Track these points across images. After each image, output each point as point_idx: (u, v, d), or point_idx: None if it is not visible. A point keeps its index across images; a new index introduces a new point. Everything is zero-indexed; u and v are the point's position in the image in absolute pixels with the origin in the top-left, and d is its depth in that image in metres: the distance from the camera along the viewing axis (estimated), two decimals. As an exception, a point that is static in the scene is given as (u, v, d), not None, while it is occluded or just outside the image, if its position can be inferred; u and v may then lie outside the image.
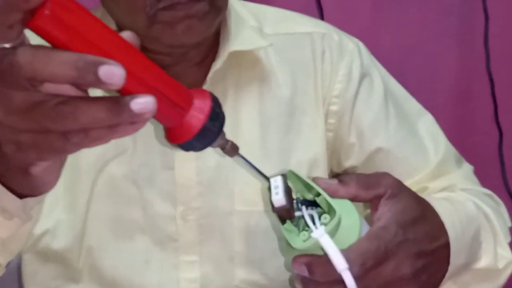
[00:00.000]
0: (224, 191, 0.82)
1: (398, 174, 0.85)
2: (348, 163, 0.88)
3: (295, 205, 0.65)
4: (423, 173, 0.87)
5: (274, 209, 0.64)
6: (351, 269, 0.60)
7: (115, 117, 0.41)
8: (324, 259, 0.61)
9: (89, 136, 0.42)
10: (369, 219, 0.67)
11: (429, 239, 0.66)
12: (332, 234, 0.62)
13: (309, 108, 0.85)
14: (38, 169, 0.48)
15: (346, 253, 0.61)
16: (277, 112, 0.84)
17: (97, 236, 0.81)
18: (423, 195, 0.72)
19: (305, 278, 0.62)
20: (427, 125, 0.90)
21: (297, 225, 0.65)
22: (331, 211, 0.64)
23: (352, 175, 0.66)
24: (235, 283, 0.83)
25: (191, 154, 0.82)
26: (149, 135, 0.81)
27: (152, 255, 0.81)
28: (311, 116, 0.85)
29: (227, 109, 0.81)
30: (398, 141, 0.87)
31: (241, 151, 0.83)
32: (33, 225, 0.62)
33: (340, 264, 0.60)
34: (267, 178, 0.65)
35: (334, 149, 0.88)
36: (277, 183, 0.64)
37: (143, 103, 0.42)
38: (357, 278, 0.60)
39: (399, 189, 0.66)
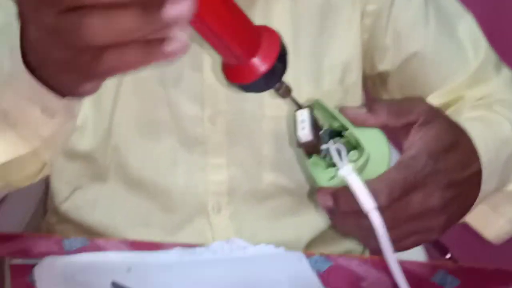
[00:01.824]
0: (254, 95, 0.79)
1: (434, 80, 0.83)
2: (382, 66, 0.85)
3: (322, 138, 0.62)
4: (461, 78, 0.83)
5: (299, 144, 0.61)
6: (377, 198, 0.58)
7: (150, 23, 0.38)
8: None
9: (123, 57, 0.39)
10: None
11: (461, 168, 0.63)
12: (360, 170, 0.59)
13: (344, 8, 0.81)
14: (83, 90, 0.46)
15: (372, 183, 0.59)
16: (310, 13, 0.80)
17: (124, 135, 0.80)
18: (457, 116, 0.69)
19: (331, 208, 0.61)
20: (467, 26, 0.85)
21: (324, 158, 0.62)
22: (359, 145, 0.61)
23: (382, 102, 0.63)
24: (263, 187, 0.82)
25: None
26: None
27: (179, 157, 0.80)
28: (346, 16, 0.81)
29: (257, 10, 0.78)
30: (436, 44, 0.83)
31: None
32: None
33: (368, 203, 0.58)
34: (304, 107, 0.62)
35: (368, 51, 0.84)
36: (303, 116, 0.62)
37: (176, 8, 0.38)
38: (383, 208, 0.58)
39: (432, 116, 0.62)
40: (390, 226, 0.58)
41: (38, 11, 0.40)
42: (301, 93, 0.80)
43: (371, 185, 0.58)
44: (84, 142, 0.79)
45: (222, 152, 0.81)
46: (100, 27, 0.38)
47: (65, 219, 0.85)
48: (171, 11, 0.37)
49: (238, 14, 0.51)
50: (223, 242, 0.77)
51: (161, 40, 0.39)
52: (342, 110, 0.62)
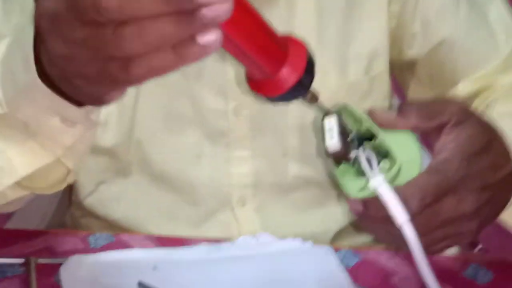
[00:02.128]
0: None
1: (463, 66, 0.81)
2: (410, 53, 0.82)
3: (351, 144, 0.60)
4: (492, 64, 0.81)
5: (328, 154, 0.60)
6: (409, 205, 0.56)
7: (184, 28, 0.37)
8: None
9: (154, 63, 0.38)
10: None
11: (494, 170, 0.60)
12: (392, 181, 0.57)
13: None
14: (110, 98, 0.45)
15: (404, 188, 0.57)
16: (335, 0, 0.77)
17: (146, 129, 0.79)
18: (490, 109, 0.66)
19: (361, 212, 0.59)
20: (498, 11, 0.82)
21: (353, 165, 0.60)
22: (390, 152, 0.59)
23: (412, 105, 0.60)
24: (288, 179, 0.81)
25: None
26: None
27: (203, 150, 0.79)
28: (373, 3, 0.78)
29: (280, -1, 0.76)
30: (466, 30, 0.81)
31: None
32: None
33: (400, 217, 0.56)
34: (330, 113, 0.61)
35: (396, 38, 0.82)
36: (331, 124, 0.60)
37: (217, 8, 0.36)
38: (415, 214, 0.56)
39: (465, 116, 0.60)
40: (422, 233, 0.56)
41: (66, 24, 0.38)
42: (327, 83, 0.78)
43: (402, 191, 0.57)
44: (108, 137, 0.78)
45: (246, 145, 0.79)
46: (134, 37, 0.36)
47: (90, 213, 0.84)
48: (208, 13, 0.36)
49: (264, 27, 0.49)
50: (249, 237, 0.76)
51: (192, 41, 0.37)
52: (371, 114, 0.60)
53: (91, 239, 0.74)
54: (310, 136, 0.79)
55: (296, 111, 0.78)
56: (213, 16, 0.36)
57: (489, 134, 0.61)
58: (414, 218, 0.56)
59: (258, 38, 0.48)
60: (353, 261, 0.71)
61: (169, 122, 0.78)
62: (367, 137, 0.61)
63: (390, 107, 0.86)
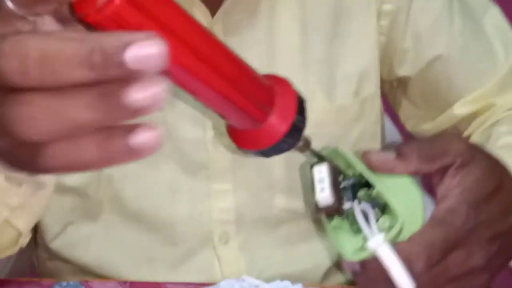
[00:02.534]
0: None
1: (460, 85, 0.75)
2: (401, 72, 0.76)
3: (343, 193, 0.53)
4: (490, 82, 0.75)
5: (319, 208, 0.52)
6: (413, 265, 0.49)
7: (103, 115, 0.28)
8: None
9: (74, 153, 0.29)
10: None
11: (505, 215, 0.54)
12: (393, 241, 0.50)
13: (358, 9, 0.72)
14: (38, 177, 0.37)
15: (407, 246, 0.50)
16: (320, 16, 0.71)
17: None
18: (493, 140, 0.60)
19: (358, 271, 0.52)
20: (494, 20, 0.76)
21: (347, 218, 0.53)
22: (389, 206, 0.51)
23: (412, 146, 0.53)
24: (275, 212, 0.74)
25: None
26: None
27: (180, 184, 0.72)
28: (360, 19, 0.72)
29: (260, 14, 0.69)
30: (461, 44, 0.75)
31: (278, 63, 0.72)
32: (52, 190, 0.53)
33: (405, 283, 0.49)
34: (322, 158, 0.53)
35: (386, 55, 0.75)
36: (322, 174, 0.52)
37: (146, 91, 0.28)
38: (421, 275, 0.50)
39: (471, 156, 0.53)
40: None
41: None
42: (313, 107, 0.71)
43: (405, 249, 0.50)
44: (74, 175, 0.71)
45: (227, 177, 0.73)
46: (42, 118, 0.28)
47: (58, 257, 0.77)
48: (138, 94, 0.28)
49: (244, 69, 0.43)
50: (232, 281, 0.69)
51: (126, 130, 0.29)
52: (365, 155, 0.53)
53: (57, 288, 0.66)
54: (298, 166, 0.73)
55: None
56: (144, 99, 0.28)
57: (498, 175, 0.54)
58: (420, 278, 0.50)
59: (239, 82, 0.42)
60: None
61: (142, 155, 0.71)
62: (361, 184, 0.54)
63: (382, 130, 0.79)
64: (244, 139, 0.47)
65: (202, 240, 0.74)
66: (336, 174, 0.53)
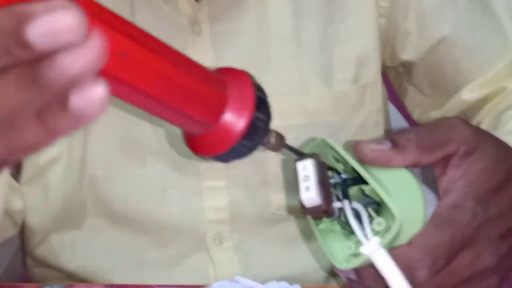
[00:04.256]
0: None
1: (468, 68, 0.70)
2: (405, 56, 0.71)
3: (333, 191, 0.47)
4: (500, 64, 0.69)
5: (304, 210, 0.46)
6: (416, 272, 0.44)
7: (35, 96, 0.26)
8: None
9: (14, 139, 0.28)
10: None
11: None
12: (390, 245, 0.45)
13: None
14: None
15: (408, 251, 0.44)
16: None
17: (101, 163, 0.68)
18: (503, 124, 0.56)
19: (354, 280, 0.47)
20: None
21: (338, 219, 0.47)
22: (386, 206, 0.45)
23: (409, 134, 0.47)
24: (272, 210, 0.70)
25: (208, 56, 0.66)
26: (151, 28, 0.65)
27: (170, 183, 0.68)
28: (358, 0, 0.67)
29: (250, 1, 0.65)
30: (468, 24, 0.69)
31: (270, 50, 0.67)
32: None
33: None
34: (306, 156, 0.47)
35: (387, 39, 0.71)
36: (307, 170, 0.45)
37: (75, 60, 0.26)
38: (424, 283, 0.45)
39: (476, 143, 0.47)
40: None
41: None
42: (309, 95, 0.68)
43: (406, 255, 0.44)
44: (56, 175, 0.67)
45: (220, 173, 0.68)
46: None
47: (43, 264, 0.73)
48: (69, 65, 0.25)
49: (186, 69, 0.38)
50: (225, 282, 0.64)
51: (62, 105, 0.27)
52: (357, 147, 0.47)
53: (41, 295, 0.63)
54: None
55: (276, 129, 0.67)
56: (75, 70, 0.26)
57: (508, 162, 0.48)
58: (423, 286, 0.44)
59: (179, 86, 0.37)
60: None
61: (126, 152, 0.68)
62: (354, 180, 0.48)
63: (386, 119, 0.74)
64: (198, 144, 0.42)
65: (194, 242, 0.70)
66: (324, 169, 0.47)
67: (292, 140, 0.67)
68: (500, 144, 0.49)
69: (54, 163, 0.68)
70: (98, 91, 0.27)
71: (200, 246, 0.70)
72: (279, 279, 0.65)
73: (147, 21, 0.65)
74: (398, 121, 0.88)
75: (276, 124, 0.66)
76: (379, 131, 0.73)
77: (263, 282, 0.65)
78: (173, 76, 0.37)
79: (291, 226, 0.71)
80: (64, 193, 0.68)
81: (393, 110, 0.85)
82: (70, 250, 0.71)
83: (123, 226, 0.69)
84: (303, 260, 0.72)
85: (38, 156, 0.68)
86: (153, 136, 0.67)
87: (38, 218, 0.71)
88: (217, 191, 0.69)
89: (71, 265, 0.71)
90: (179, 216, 0.69)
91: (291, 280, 0.64)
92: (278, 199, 0.70)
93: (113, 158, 0.68)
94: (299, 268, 0.71)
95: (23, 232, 0.73)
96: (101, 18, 0.31)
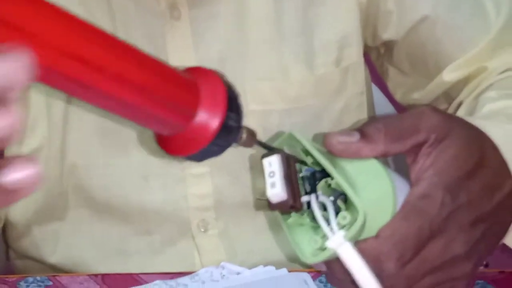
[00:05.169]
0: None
1: (449, 48, 0.70)
2: (386, 35, 0.71)
3: (301, 185, 0.46)
4: (481, 44, 0.69)
5: (271, 205, 0.46)
6: (384, 265, 0.44)
7: None
8: None
9: None
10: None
11: (490, 193, 0.48)
12: (356, 237, 0.44)
13: None
14: None
15: (375, 244, 0.44)
16: None
17: (81, 152, 0.67)
18: (478, 108, 0.56)
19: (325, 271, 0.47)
20: None
21: (307, 214, 0.47)
22: (350, 199, 0.45)
23: (378, 124, 0.47)
24: (256, 196, 0.70)
25: (187, 41, 0.66)
26: (129, 14, 0.65)
27: (152, 170, 0.68)
28: None
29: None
30: (449, 3, 0.70)
31: (250, 35, 0.67)
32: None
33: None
34: (278, 152, 0.47)
35: (368, 18, 0.71)
36: (273, 166, 0.46)
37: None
38: (393, 276, 0.44)
39: (446, 130, 0.47)
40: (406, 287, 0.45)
41: None
42: (290, 79, 0.68)
43: (373, 248, 0.44)
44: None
45: None
46: None
47: (25, 256, 0.72)
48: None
49: (153, 70, 0.38)
50: (211, 268, 0.64)
51: None
52: (326, 139, 0.46)
53: (22, 285, 0.62)
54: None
55: (257, 114, 0.67)
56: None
57: (479, 149, 0.48)
58: (393, 278, 0.44)
59: (146, 88, 0.38)
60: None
61: (107, 140, 0.67)
62: (323, 172, 0.47)
63: (370, 102, 0.74)
64: (171, 144, 0.42)
65: (179, 229, 0.70)
66: (293, 163, 0.47)
67: (273, 124, 0.68)
68: (471, 130, 0.49)
69: (35, 154, 0.67)
70: (30, 171, 0.27)
71: (185, 234, 0.70)
72: (266, 264, 0.66)
73: (125, 7, 0.65)
74: (383, 105, 0.89)
75: (257, 109, 0.67)
76: (363, 114, 0.73)
77: (250, 267, 0.65)
78: (140, 79, 0.37)
79: (276, 212, 0.71)
80: (45, 185, 0.68)
81: (378, 93, 0.85)
82: (52, 242, 0.71)
83: (106, 215, 0.69)
84: (288, 246, 0.71)
85: (20, 148, 0.67)
86: (133, 123, 0.67)
87: (19, 211, 0.70)
88: (201, 178, 0.69)
89: (54, 257, 0.71)
90: (163, 204, 0.69)
91: (277, 265, 0.64)
92: (263, 184, 0.70)
93: (93, 147, 0.67)
94: (284, 253, 0.71)
95: (4, 225, 0.73)
96: (58, 22, 0.31)
